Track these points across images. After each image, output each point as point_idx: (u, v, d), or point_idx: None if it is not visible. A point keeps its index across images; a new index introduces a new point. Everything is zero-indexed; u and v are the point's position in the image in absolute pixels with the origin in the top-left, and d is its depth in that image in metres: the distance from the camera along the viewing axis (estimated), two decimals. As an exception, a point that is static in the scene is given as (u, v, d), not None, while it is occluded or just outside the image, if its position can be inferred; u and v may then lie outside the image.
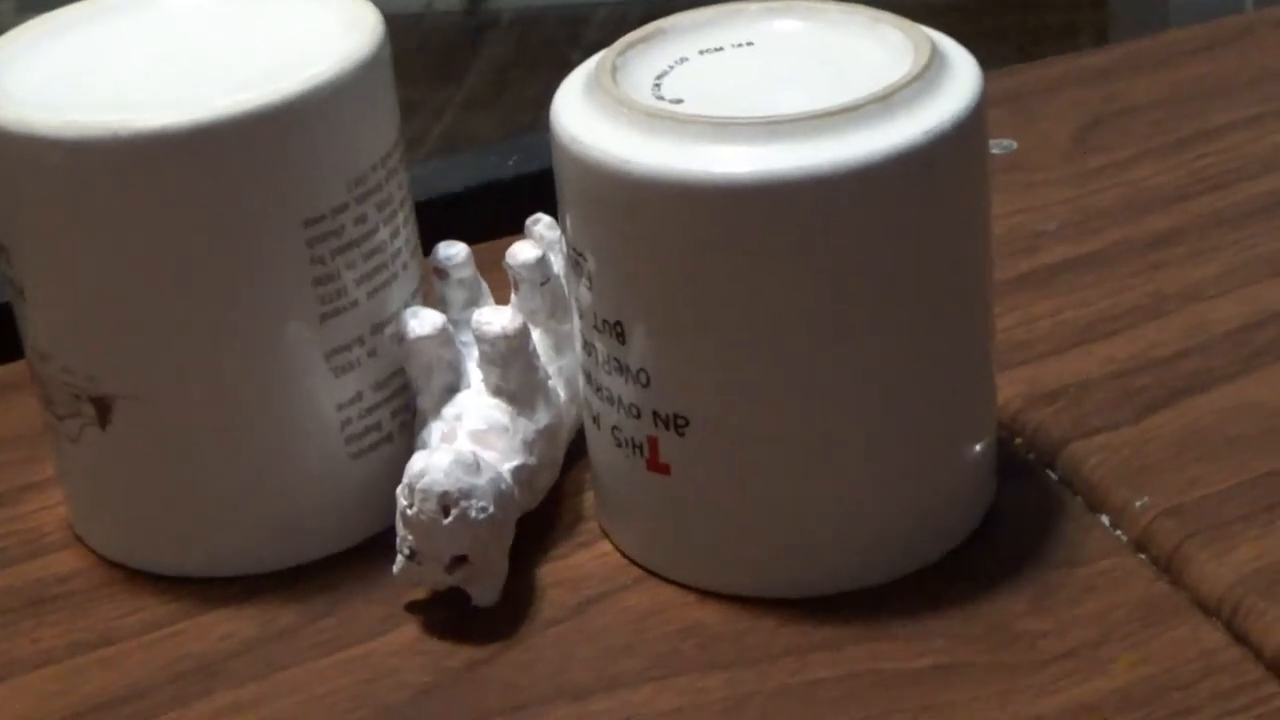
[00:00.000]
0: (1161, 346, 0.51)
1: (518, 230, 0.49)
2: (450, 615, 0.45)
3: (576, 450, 0.48)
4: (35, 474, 0.50)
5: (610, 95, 0.43)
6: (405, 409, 0.47)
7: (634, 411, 0.44)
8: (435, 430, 0.46)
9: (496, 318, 0.45)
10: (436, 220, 0.51)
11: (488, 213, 0.58)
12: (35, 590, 0.47)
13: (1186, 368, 0.50)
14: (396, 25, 0.46)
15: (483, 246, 0.50)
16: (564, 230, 0.44)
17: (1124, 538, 0.45)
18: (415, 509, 0.43)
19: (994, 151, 0.59)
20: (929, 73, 0.42)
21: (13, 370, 0.53)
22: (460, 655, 0.44)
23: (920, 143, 0.41)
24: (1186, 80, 0.64)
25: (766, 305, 0.42)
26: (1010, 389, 0.49)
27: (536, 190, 0.50)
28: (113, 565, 0.47)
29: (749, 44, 0.45)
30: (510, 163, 0.60)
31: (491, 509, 0.43)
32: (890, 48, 0.44)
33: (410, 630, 0.45)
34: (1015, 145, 0.60)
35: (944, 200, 0.43)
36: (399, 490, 0.43)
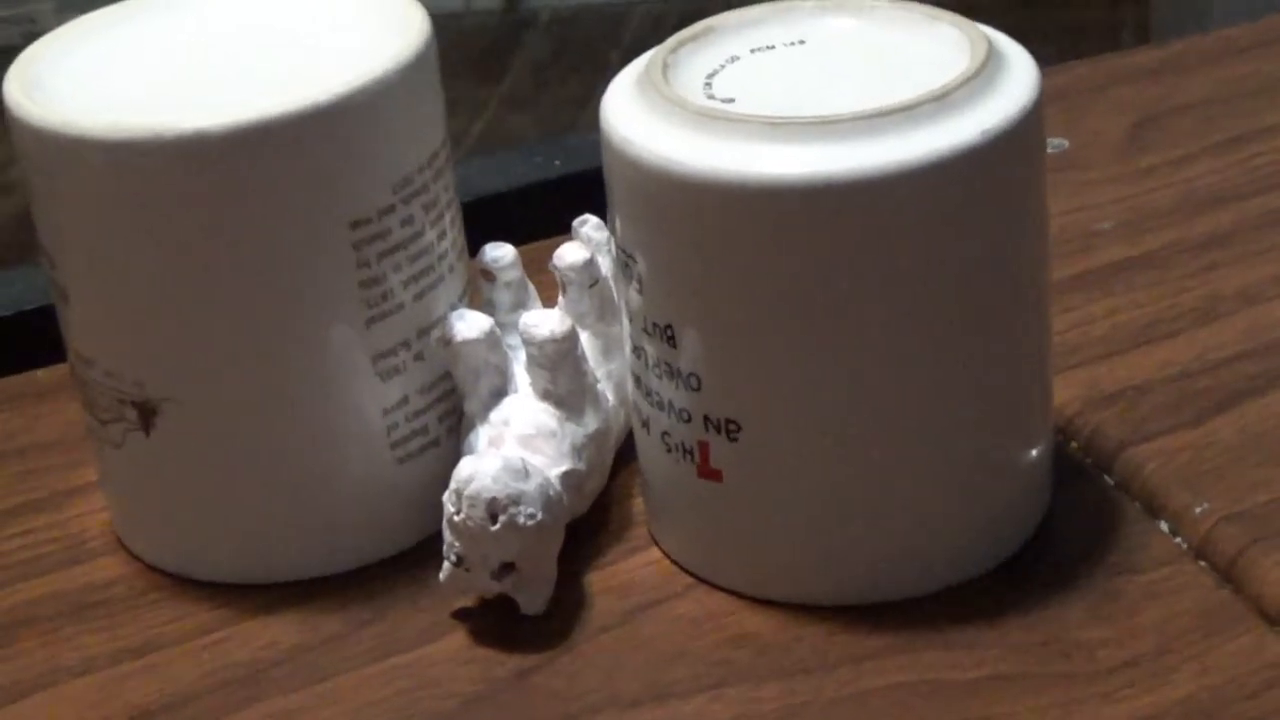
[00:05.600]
0: (1220, 349, 0.50)
1: (564, 231, 0.49)
2: (498, 623, 0.44)
3: (625, 455, 0.47)
4: (78, 479, 0.50)
5: (662, 94, 0.42)
6: (452, 413, 0.46)
7: (685, 416, 0.43)
8: (482, 435, 0.45)
9: (544, 320, 0.44)
10: (482, 221, 0.50)
11: (534, 214, 0.57)
12: (78, 597, 0.47)
13: (1246, 370, 0.49)
14: (435, 24, 0.45)
15: (529, 248, 0.50)
16: (613, 231, 0.44)
17: (1184, 544, 0.45)
18: (463, 515, 0.42)
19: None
20: (986, 71, 0.42)
21: (54, 373, 0.53)
22: (508, 664, 0.43)
23: (978, 142, 0.41)
24: (1236, 78, 0.64)
25: (820, 308, 0.41)
26: (1066, 392, 0.49)
27: (583, 191, 0.49)
28: (156, 571, 0.47)
29: (801, 42, 0.44)
30: (556, 163, 0.60)
31: (540, 515, 0.43)
32: (946, 45, 0.43)
33: (457, 638, 0.44)
34: (1067, 144, 0.60)
35: (1001, 200, 0.42)
36: (446, 496, 0.43)
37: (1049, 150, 0.59)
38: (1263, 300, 0.52)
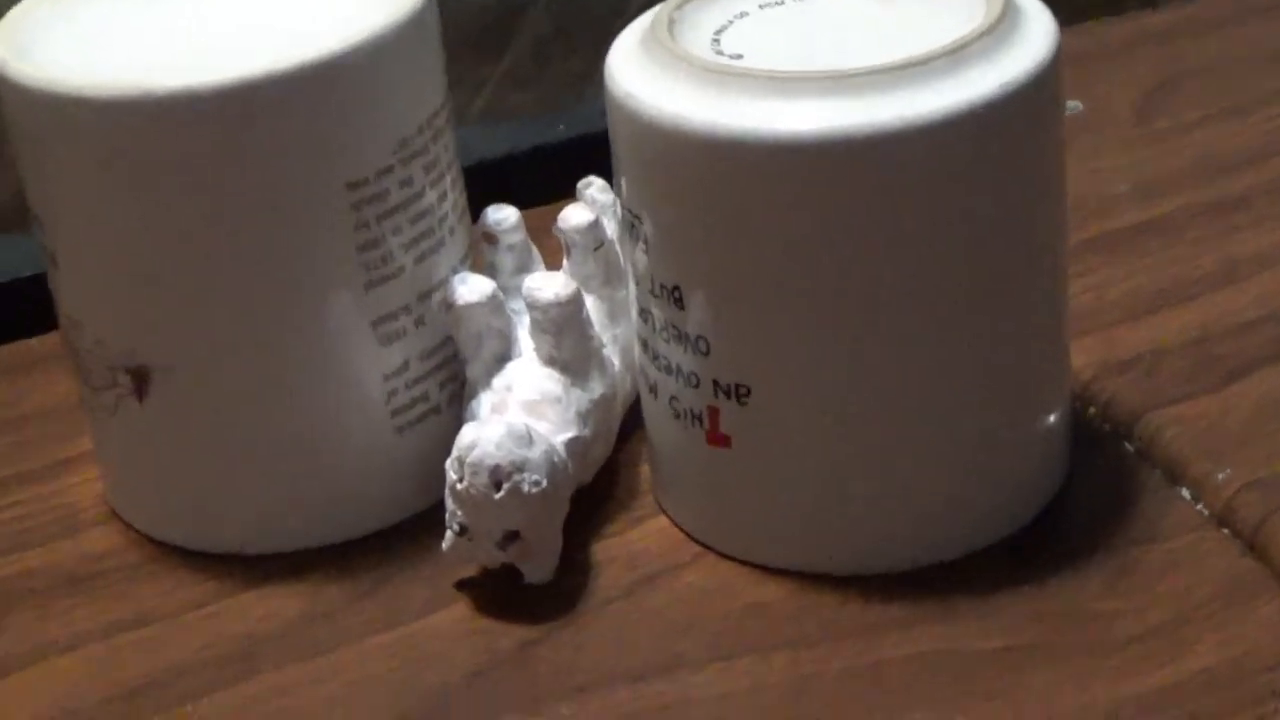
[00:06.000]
0: (1238, 313, 0.50)
1: (568, 195, 0.48)
2: (502, 593, 0.43)
3: (632, 422, 0.46)
4: (71, 449, 0.49)
5: (668, 50, 0.41)
6: (454, 379, 0.45)
7: (693, 381, 0.42)
8: (485, 401, 0.44)
9: (549, 284, 0.44)
10: (485, 185, 0.50)
11: (538, 178, 0.56)
12: (71, 569, 0.46)
13: (1266, 335, 0.49)
14: (434, -1, 0.45)
15: (533, 212, 0.49)
16: (619, 192, 0.43)
17: (1205, 512, 0.44)
18: (465, 483, 0.42)
19: (1059, 113, 0.58)
20: (1002, 25, 0.41)
21: (47, 342, 0.52)
22: (512, 635, 0.42)
23: (994, 98, 0.40)
24: (1253, 40, 0.63)
25: (832, 268, 0.40)
26: (1083, 357, 0.48)
27: (587, 154, 0.48)
28: (151, 542, 0.46)
29: (811, -3, 0.43)
30: (560, 127, 0.59)
31: (545, 483, 0.42)
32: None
33: (460, 609, 0.43)
34: (1081, 106, 0.59)
35: (1018, 159, 0.41)
36: (448, 463, 0.42)
37: (1065, 112, 0.58)
38: (1281, 264, 0.51)
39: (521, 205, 0.48)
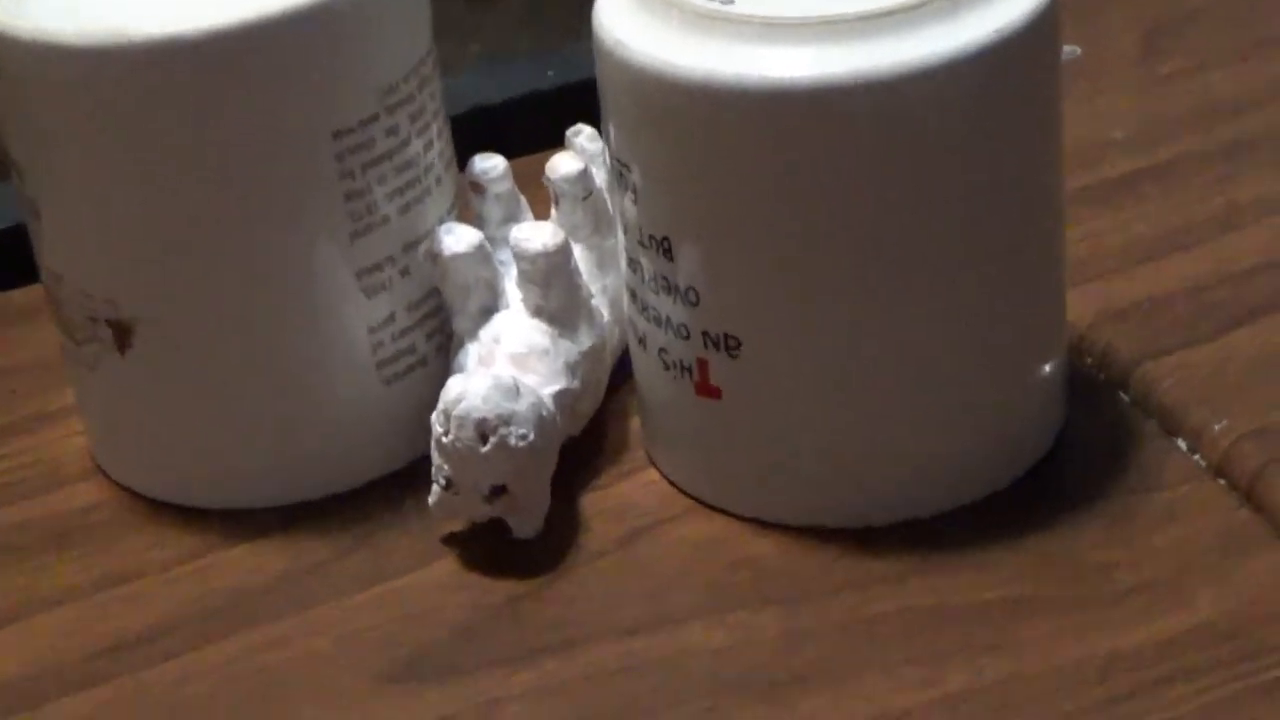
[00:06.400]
0: (1237, 260, 0.49)
1: (557, 143, 0.47)
2: (489, 548, 0.43)
3: (621, 374, 0.46)
4: (55, 403, 0.49)
5: (656, -5, 0.40)
6: (441, 331, 0.45)
7: (683, 332, 0.42)
8: (472, 353, 0.44)
9: (536, 234, 0.43)
10: (473, 133, 0.49)
11: (526, 126, 0.56)
12: (55, 523, 0.45)
13: (1265, 282, 0.48)
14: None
15: (521, 161, 0.49)
16: (607, 141, 0.42)
17: (1202, 462, 0.43)
18: (452, 437, 0.41)
19: (1057, 58, 0.57)
20: (996, -32, 0.40)
21: (30, 295, 0.52)
22: (500, 590, 0.42)
23: (990, 42, 0.39)
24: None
25: (823, 218, 0.40)
26: (1079, 306, 0.47)
27: (577, 102, 0.48)
28: (136, 497, 0.46)
29: (803, -60, 0.43)
30: (550, 74, 0.58)
31: (532, 436, 0.41)
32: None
33: (448, 564, 0.43)
34: (1080, 51, 0.58)
35: (1014, 105, 0.40)
36: (434, 417, 0.42)
37: (1062, 58, 0.58)
38: (1281, 210, 0.51)
39: (511, 153, 0.47)
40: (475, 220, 0.46)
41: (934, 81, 0.39)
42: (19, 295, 0.53)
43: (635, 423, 0.46)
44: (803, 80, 0.39)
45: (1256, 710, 0.38)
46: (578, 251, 0.45)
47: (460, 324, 0.44)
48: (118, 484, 0.46)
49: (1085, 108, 0.56)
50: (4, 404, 0.50)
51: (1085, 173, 0.53)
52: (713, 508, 0.43)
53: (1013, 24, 0.39)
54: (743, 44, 0.39)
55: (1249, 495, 0.42)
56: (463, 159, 0.46)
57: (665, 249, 0.41)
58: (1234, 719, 0.38)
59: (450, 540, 0.43)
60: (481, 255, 0.44)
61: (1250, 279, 0.48)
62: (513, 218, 0.46)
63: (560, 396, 0.43)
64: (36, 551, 0.45)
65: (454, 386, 0.41)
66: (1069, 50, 0.58)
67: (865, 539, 0.42)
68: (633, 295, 0.43)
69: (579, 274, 0.44)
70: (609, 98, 0.42)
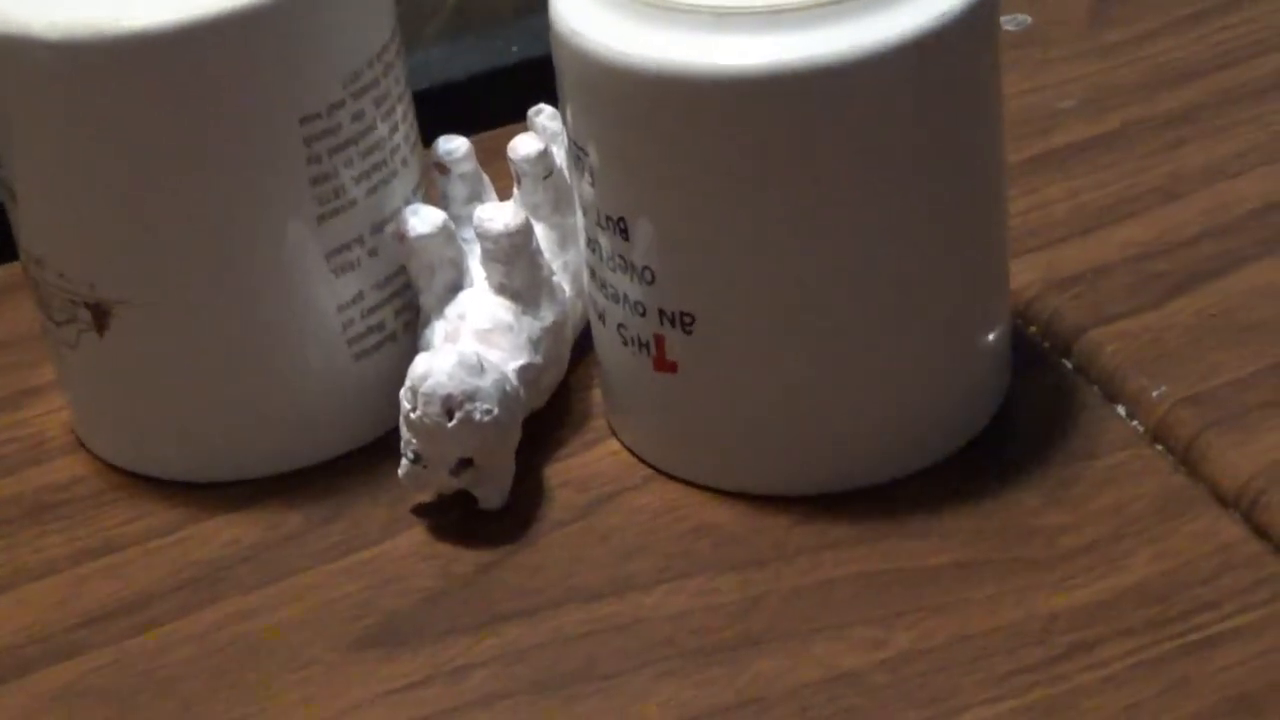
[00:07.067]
0: (1181, 229, 0.50)
1: (521, 118, 0.48)
2: (457, 518, 0.44)
3: (583, 346, 0.47)
4: (37, 378, 0.49)
5: (610, -15, 0.41)
6: (409, 307, 0.46)
7: (640, 309, 0.43)
8: (439, 330, 0.45)
9: (499, 214, 0.44)
10: (437, 109, 0.50)
11: (490, 100, 0.56)
12: (37, 497, 0.46)
13: (1207, 250, 0.49)
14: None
15: (485, 135, 0.49)
16: (565, 124, 0.43)
17: (1141, 428, 0.45)
18: (419, 412, 0.42)
19: (1008, 28, 0.58)
20: (938, -44, 0.41)
21: (10, 271, 0.52)
22: (468, 559, 0.43)
23: (930, 29, 0.40)
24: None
25: (771, 199, 0.41)
26: (1025, 275, 0.48)
27: (541, 76, 0.48)
28: (116, 471, 0.47)
29: (753, -72, 0.44)
30: (514, 49, 0.59)
31: (496, 411, 0.42)
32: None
33: (417, 534, 0.44)
34: (1029, 20, 0.59)
35: (955, 87, 0.41)
36: (402, 393, 0.43)
37: (1011, 28, 0.58)
38: (1225, 177, 0.52)
39: (475, 128, 0.48)
40: (440, 199, 0.47)
41: (878, 68, 0.40)
42: (1, 272, 0.53)
43: (597, 394, 0.47)
44: (750, 68, 0.40)
45: (1186, 668, 0.39)
46: (539, 229, 0.46)
47: (427, 301, 0.45)
48: (99, 458, 0.47)
49: (1034, 76, 0.56)
50: (-13, 380, 0.50)
51: (1034, 141, 0.54)
52: (673, 477, 0.45)
53: (952, 11, 0.40)
54: (692, 32, 0.40)
55: (1185, 459, 0.43)
56: (428, 134, 0.47)
57: (622, 229, 0.42)
58: (1165, 677, 0.39)
59: (419, 511, 0.44)
60: (446, 235, 0.45)
61: (1192, 247, 0.49)
62: (477, 196, 0.47)
63: (524, 371, 0.44)
64: (21, 524, 0.46)
65: (421, 364, 0.42)
66: (1020, 19, 0.59)
67: (819, 506, 0.43)
68: (592, 273, 0.44)
69: (540, 252, 0.45)
70: (565, 83, 0.43)
